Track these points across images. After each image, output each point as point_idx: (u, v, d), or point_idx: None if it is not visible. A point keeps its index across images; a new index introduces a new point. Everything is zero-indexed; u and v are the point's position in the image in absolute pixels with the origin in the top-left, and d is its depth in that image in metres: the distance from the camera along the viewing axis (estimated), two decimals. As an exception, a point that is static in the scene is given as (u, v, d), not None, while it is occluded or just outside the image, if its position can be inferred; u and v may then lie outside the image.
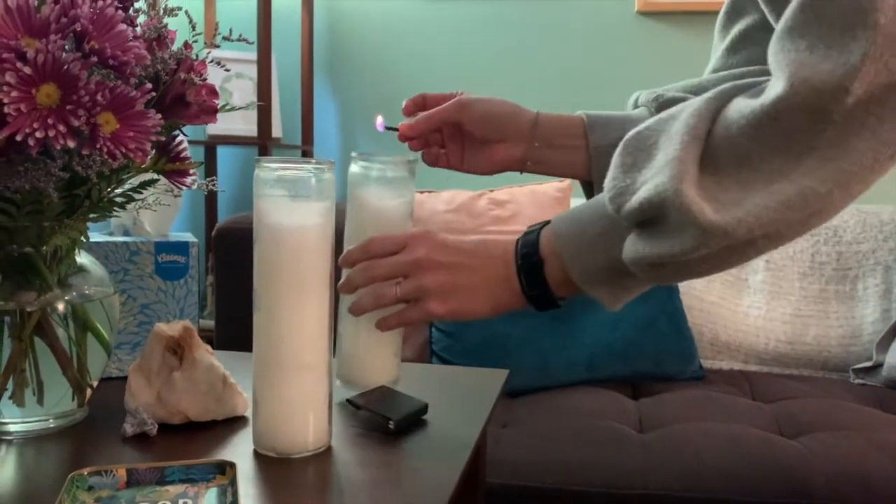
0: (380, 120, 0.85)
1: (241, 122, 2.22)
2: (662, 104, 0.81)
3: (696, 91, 0.82)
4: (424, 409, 0.75)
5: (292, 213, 0.64)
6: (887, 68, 0.51)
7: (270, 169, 0.64)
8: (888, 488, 1.18)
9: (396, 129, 0.82)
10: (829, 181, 0.54)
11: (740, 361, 1.81)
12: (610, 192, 0.62)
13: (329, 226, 0.66)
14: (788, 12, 0.56)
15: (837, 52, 0.52)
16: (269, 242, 0.64)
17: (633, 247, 0.61)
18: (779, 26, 0.57)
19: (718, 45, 0.88)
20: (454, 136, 0.84)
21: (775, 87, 0.55)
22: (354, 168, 0.77)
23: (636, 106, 0.86)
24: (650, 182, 0.58)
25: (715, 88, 0.60)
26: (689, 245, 0.56)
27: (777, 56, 0.56)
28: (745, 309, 1.81)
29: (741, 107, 0.57)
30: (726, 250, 0.56)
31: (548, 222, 0.69)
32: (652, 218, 0.59)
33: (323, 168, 0.64)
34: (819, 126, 0.54)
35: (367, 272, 0.71)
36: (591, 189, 0.83)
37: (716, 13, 0.89)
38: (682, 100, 0.79)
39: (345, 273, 0.74)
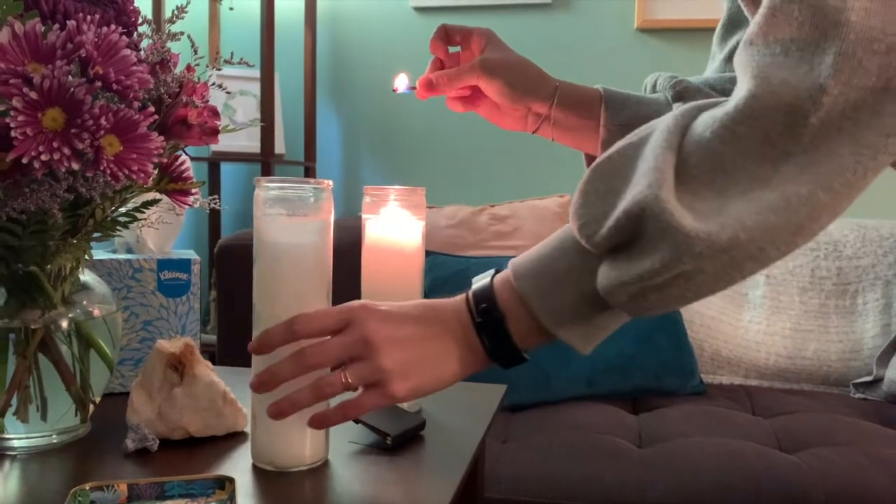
0: (402, 79, 0.82)
1: (244, 139, 2.24)
2: (680, 92, 0.80)
3: (714, 85, 0.82)
4: (422, 424, 0.76)
5: (291, 232, 0.65)
6: (861, 66, 0.50)
7: (269, 188, 0.65)
8: None
9: (416, 89, 0.83)
10: (810, 183, 0.51)
11: (741, 376, 1.81)
12: (580, 221, 0.57)
13: (327, 243, 0.67)
14: (759, 17, 0.53)
15: (811, 54, 0.51)
16: (268, 261, 0.66)
17: (607, 273, 0.56)
18: (749, 31, 0.54)
19: (717, 55, 0.89)
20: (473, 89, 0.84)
21: (742, 90, 0.53)
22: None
23: (654, 89, 0.86)
24: (628, 194, 0.54)
25: (682, 108, 0.57)
26: (668, 256, 0.52)
27: (748, 60, 0.53)
28: (746, 324, 1.82)
29: (712, 114, 0.54)
30: (708, 268, 0.52)
31: (497, 271, 0.63)
32: (627, 238, 0.55)
33: (321, 187, 0.66)
34: (796, 129, 0.51)
35: (302, 360, 0.60)
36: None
37: (714, 30, 0.91)
38: (703, 91, 0.79)
39: (256, 362, 0.62)
